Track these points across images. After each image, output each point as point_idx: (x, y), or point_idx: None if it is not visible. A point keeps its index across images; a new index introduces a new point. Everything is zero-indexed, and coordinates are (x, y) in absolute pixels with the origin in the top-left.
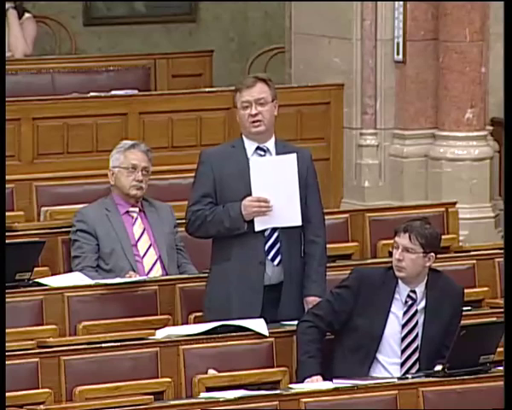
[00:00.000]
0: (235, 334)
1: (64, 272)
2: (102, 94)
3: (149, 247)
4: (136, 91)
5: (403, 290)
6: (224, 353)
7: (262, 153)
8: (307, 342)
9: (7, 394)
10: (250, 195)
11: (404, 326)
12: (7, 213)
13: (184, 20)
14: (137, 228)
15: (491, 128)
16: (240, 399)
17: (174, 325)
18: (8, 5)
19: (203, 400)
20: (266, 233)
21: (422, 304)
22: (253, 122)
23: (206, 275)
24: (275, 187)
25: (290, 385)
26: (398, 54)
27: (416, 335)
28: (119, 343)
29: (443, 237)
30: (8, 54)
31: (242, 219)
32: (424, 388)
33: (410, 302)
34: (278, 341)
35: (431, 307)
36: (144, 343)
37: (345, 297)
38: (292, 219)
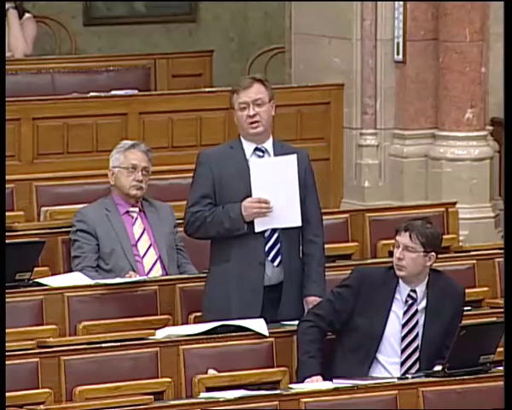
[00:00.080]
0: (235, 334)
1: (64, 272)
2: (102, 94)
3: (149, 247)
4: (136, 91)
5: (403, 290)
6: (223, 353)
7: (260, 153)
8: (308, 342)
9: (7, 394)
10: (249, 195)
11: (404, 326)
12: (7, 213)
13: (184, 20)
14: (137, 228)
15: (491, 128)
16: (240, 399)
17: (174, 325)
18: (8, 5)
19: (203, 400)
20: (266, 234)
21: (423, 304)
22: (251, 123)
23: (206, 275)
24: (275, 188)
25: (290, 385)
26: (398, 54)
27: (417, 334)
28: (119, 343)
29: (443, 237)
30: (8, 54)
31: (242, 220)
32: (424, 388)
33: (410, 302)
34: (278, 341)
35: (432, 307)
36: (144, 343)
37: (345, 297)
38: (292, 220)
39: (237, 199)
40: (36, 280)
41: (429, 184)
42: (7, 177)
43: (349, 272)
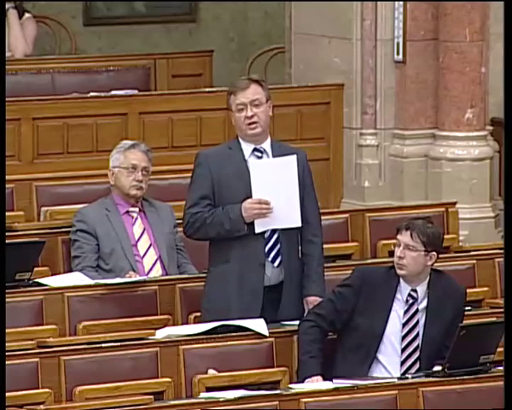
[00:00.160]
0: (235, 334)
1: (64, 272)
2: (102, 94)
3: (149, 247)
4: (136, 91)
5: (404, 289)
6: (223, 353)
7: (259, 154)
8: (309, 342)
9: (7, 394)
10: (249, 196)
11: (404, 325)
12: (7, 213)
13: (184, 20)
14: (137, 228)
15: (491, 128)
16: (240, 399)
17: (174, 325)
18: (8, 5)
19: (203, 400)
20: (266, 235)
21: (424, 304)
22: (250, 124)
23: (205, 276)
24: (275, 189)
25: (290, 385)
26: (398, 54)
27: (417, 334)
28: (119, 343)
29: (444, 236)
30: (8, 54)
31: (243, 221)
32: (424, 388)
33: (411, 301)
34: (278, 341)
35: (432, 307)
36: (144, 343)
37: (347, 296)
38: (292, 221)
39: (237, 200)
40: (36, 280)
41: (429, 184)
42: (7, 177)
43: (349, 272)
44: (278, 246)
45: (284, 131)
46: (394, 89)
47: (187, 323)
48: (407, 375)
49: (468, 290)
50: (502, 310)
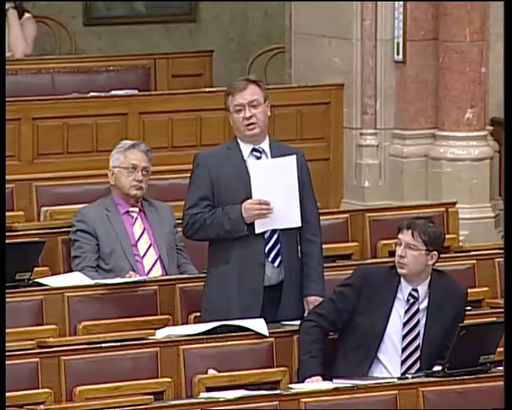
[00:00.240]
0: (235, 334)
1: (64, 272)
2: (102, 94)
3: (149, 247)
4: (136, 91)
5: (405, 289)
6: (223, 353)
7: (258, 154)
8: (309, 342)
9: (7, 394)
10: (248, 196)
11: (405, 324)
12: (7, 213)
13: (184, 20)
14: (137, 228)
15: (491, 128)
16: (240, 399)
17: (174, 325)
18: (8, 5)
19: (203, 400)
20: (266, 235)
21: (425, 303)
22: (248, 125)
23: (205, 276)
24: (275, 189)
25: (290, 385)
26: (398, 54)
27: (418, 333)
28: (119, 343)
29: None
30: (8, 54)
31: (243, 221)
32: (424, 388)
33: (411, 301)
34: (278, 341)
35: (433, 307)
36: (144, 343)
37: (348, 296)
38: (292, 221)
39: (236, 200)
40: (36, 280)
41: (429, 184)
42: (7, 177)
43: (349, 272)
44: (278, 246)
45: (284, 131)
46: (394, 89)
47: (187, 323)
48: (407, 375)
49: (468, 290)
50: (502, 310)
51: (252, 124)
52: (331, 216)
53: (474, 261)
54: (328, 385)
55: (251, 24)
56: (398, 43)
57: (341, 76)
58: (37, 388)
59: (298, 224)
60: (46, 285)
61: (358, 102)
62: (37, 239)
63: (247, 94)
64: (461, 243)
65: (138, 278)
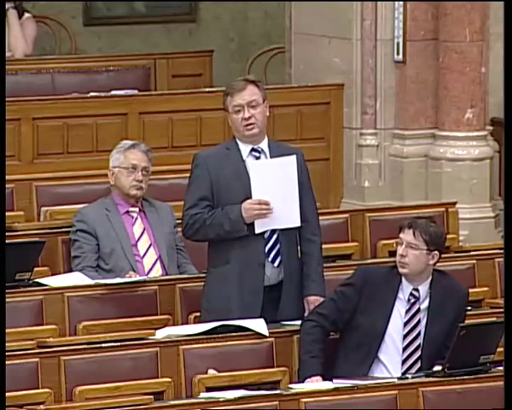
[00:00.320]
0: (235, 334)
1: (64, 272)
2: (102, 94)
3: (149, 247)
4: (136, 91)
5: (406, 288)
6: (223, 353)
7: (257, 154)
8: (310, 341)
9: (7, 394)
10: (248, 196)
11: (405, 324)
12: (7, 213)
13: (184, 20)
14: (137, 228)
15: (491, 128)
16: (240, 399)
17: (174, 325)
18: (8, 5)
19: (203, 400)
20: (266, 235)
21: (426, 303)
22: (247, 125)
23: (205, 276)
24: (275, 189)
25: (290, 385)
26: (398, 54)
27: (418, 333)
28: (119, 343)
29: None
30: (8, 54)
31: (243, 221)
32: (424, 388)
33: (412, 300)
34: (278, 341)
35: (434, 307)
36: (144, 343)
37: (349, 295)
38: (292, 220)
39: (236, 200)
40: (36, 280)
41: (429, 184)
42: (7, 177)
43: (349, 272)
44: (278, 246)
45: (284, 131)
46: (394, 89)
47: (187, 323)
48: (407, 375)
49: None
50: (502, 310)
51: (251, 124)
52: (331, 216)
53: (474, 261)
54: (328, 385)
55: (251, 24)
56: (398, 43)
57: (341, 76)
58: (37, 388)
59: (297, 224)
60: (46, 285)
61: (358, 102)
62: (37, 239)
63: (246, 94)
64: (461, 243)
65: (138, 278)
